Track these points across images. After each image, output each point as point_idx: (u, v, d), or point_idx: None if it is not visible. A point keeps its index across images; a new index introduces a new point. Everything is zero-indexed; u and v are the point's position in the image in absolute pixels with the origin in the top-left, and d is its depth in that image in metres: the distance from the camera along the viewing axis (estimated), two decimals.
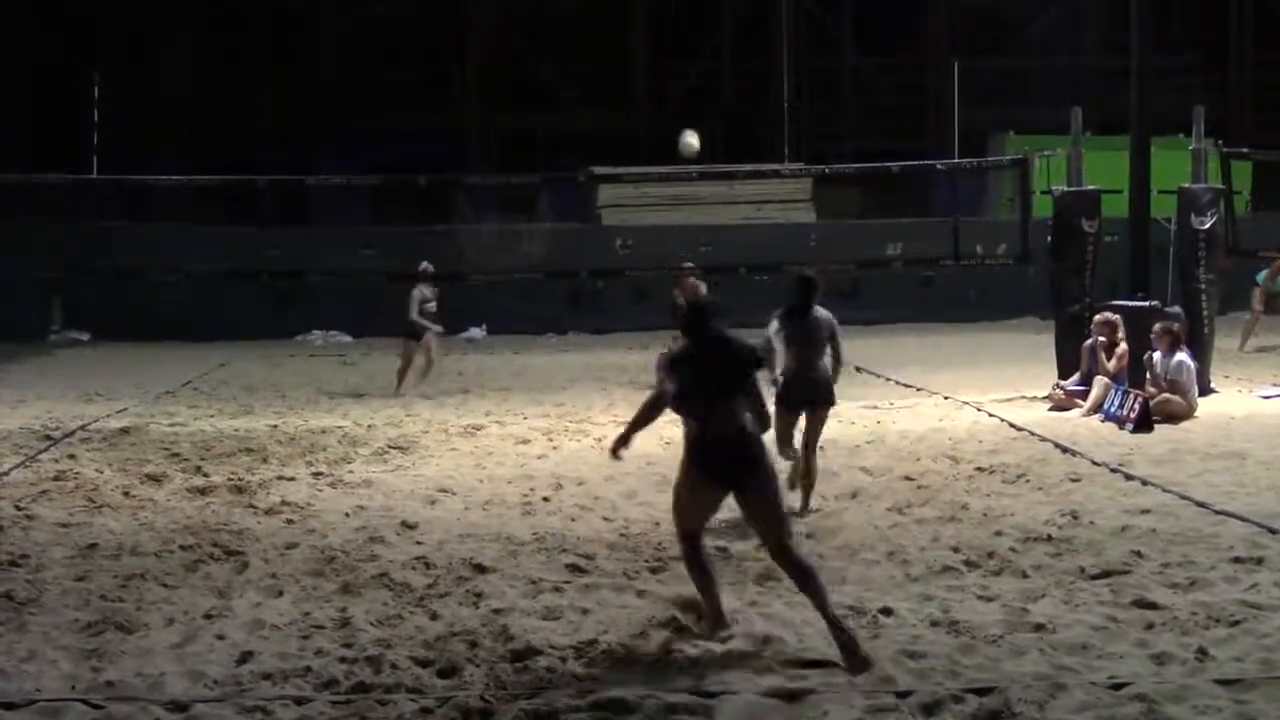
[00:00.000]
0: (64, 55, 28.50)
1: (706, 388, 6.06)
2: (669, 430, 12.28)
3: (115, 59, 28.70)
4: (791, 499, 8.34)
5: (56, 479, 10.12)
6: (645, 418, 6.25)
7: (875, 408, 13.65)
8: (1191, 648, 5.92)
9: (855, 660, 5.70)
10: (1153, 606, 6.51)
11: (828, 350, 8.98)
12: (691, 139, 14.04)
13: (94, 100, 23.07)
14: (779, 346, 8.82)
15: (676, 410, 6.16)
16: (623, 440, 6.32)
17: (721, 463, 6.05)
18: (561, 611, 6.63)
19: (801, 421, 8.99)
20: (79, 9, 29.47)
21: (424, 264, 15.97)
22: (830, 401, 9.01)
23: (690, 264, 16.32)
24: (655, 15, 31.81)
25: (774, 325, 8.96)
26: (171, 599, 6.95)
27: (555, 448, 11.69)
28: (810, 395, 8.93)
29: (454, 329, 23.36)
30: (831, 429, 12.28)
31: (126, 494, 9.65)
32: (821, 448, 11.16)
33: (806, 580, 6.00)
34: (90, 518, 8.89)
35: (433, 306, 15.81)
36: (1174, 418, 12.04)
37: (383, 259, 22.87)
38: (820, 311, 9.07)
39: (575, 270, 21.29)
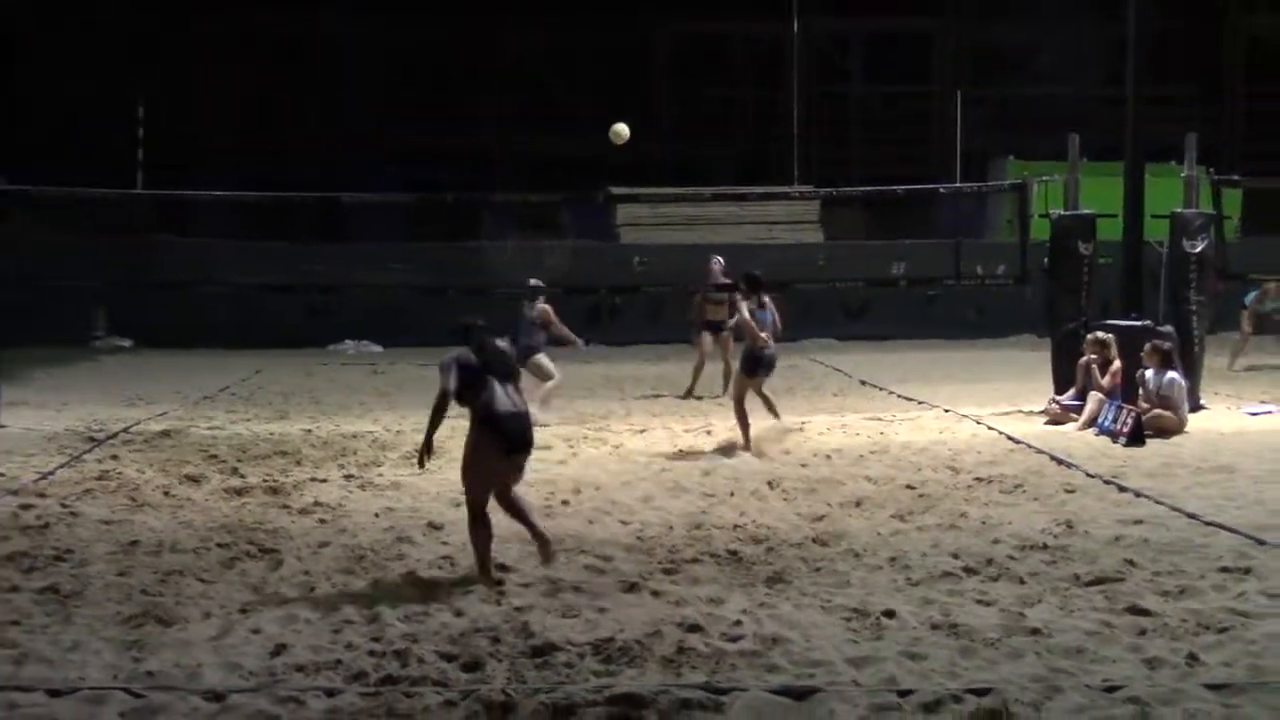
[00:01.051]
0: (112, 77, 28.69)
1: (497, 380, 7.16)
2: (684, 440, 12.37)
3: (159, 81, 28.87)
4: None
5: (100, 478, 10.17)
6: (438, 419, 7.25)
7: (879, 419, 13.64)
8: (1182, 653, 5.89)
9: (546, 554, 7.29)
10: (1145, 613, 6.48)
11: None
12: (621, 128, 13.89)
13: (139, 119, 23.17)
14: (753, 327, 11.71)
15: (460, 402, 7.16)
16: (427, 448, 7.34)
17: (519, 435, 7.17)
18: (580, 610, 6.63)
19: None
20: (126, 32, 29.66)
21: (532, 280, 14.31)
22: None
23: (718, 258, 16.18)
24: (673, 45, 31.89)
25: (745, 311, 11.82)
26: (209, 594, 6.97)
27: (575, 454, 11.69)
28: (771, 365, 11.95)
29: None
30: (836, 439, 12.36)
31: (166, 493, 9.69)
32: (829, 456, 11.24)
33: (520, 512, 7.33)
34: (132, 516, 8.92)
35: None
36: (1165, 432, 11.99)
37: (413, 273, 22.95)
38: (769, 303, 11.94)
39: (595, 286, 21.28)
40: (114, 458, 11.22)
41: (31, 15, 28.96)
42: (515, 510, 7.40)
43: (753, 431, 11.78)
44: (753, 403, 11.97)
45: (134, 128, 23.13)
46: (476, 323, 7.42)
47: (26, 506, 9.06)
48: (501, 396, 7.17)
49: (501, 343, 7.39)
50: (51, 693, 5.44)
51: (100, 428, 12.98)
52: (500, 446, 7.15)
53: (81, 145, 27.67)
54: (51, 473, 10.43)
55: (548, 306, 14.13)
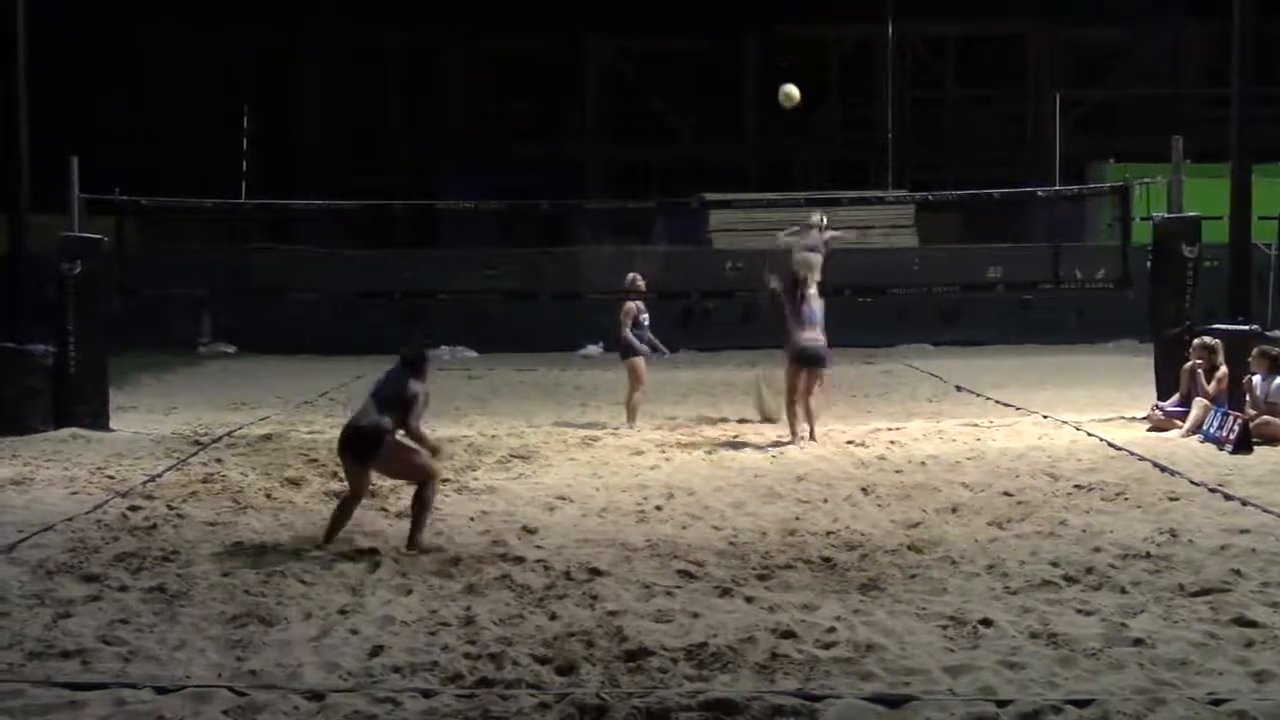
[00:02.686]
0: (218, 91, 29.37)
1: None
2: (777, 446, 12.31)
3: (261, 94, 29.48)
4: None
5: (205, 481, 10.36)
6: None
7: (975, 425, 13.44)
8: None
9: (412, 543, 7.91)
10: (1252, 624, 6.30)
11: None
12: (791, 88, 13.79)
13: (243, 132, 23.68)
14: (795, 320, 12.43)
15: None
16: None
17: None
18: (673, 615, 6.61)
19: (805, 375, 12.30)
20: (235, 43, 30.36)
21: (631, 275, 14.08)
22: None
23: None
24: (764, 50, 31.80)
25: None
26: (309, 595, 7.06)
27: (667, 459, 11.67)
28: (818, 359, 12.43)
29: (572, 345, 23.58)
30: (932, 445, 12.22)
31: (268, 496, 9.84)
32: (924, 462, 11.11)
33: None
34: (235, 518, 9.08)
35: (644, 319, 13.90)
36: (1273, 440, 11.64)
37: (506, 279, 23.13)
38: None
39: (687, 291, 21.27)
40: (218, 461, 11.43)
41: (146, 26, 29.76)
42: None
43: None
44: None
45: (239, 139, 23.60)
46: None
47: (135, 508, 9.26)
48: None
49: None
50: (158, 690, 5.55)
51: (205, 432, 13.24)
52: None
53: (189, 156, 28.39)
54: (159, 475, 10.66)
55: (631, 304, 13.98)
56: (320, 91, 31.73)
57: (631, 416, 13.77)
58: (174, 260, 22.73)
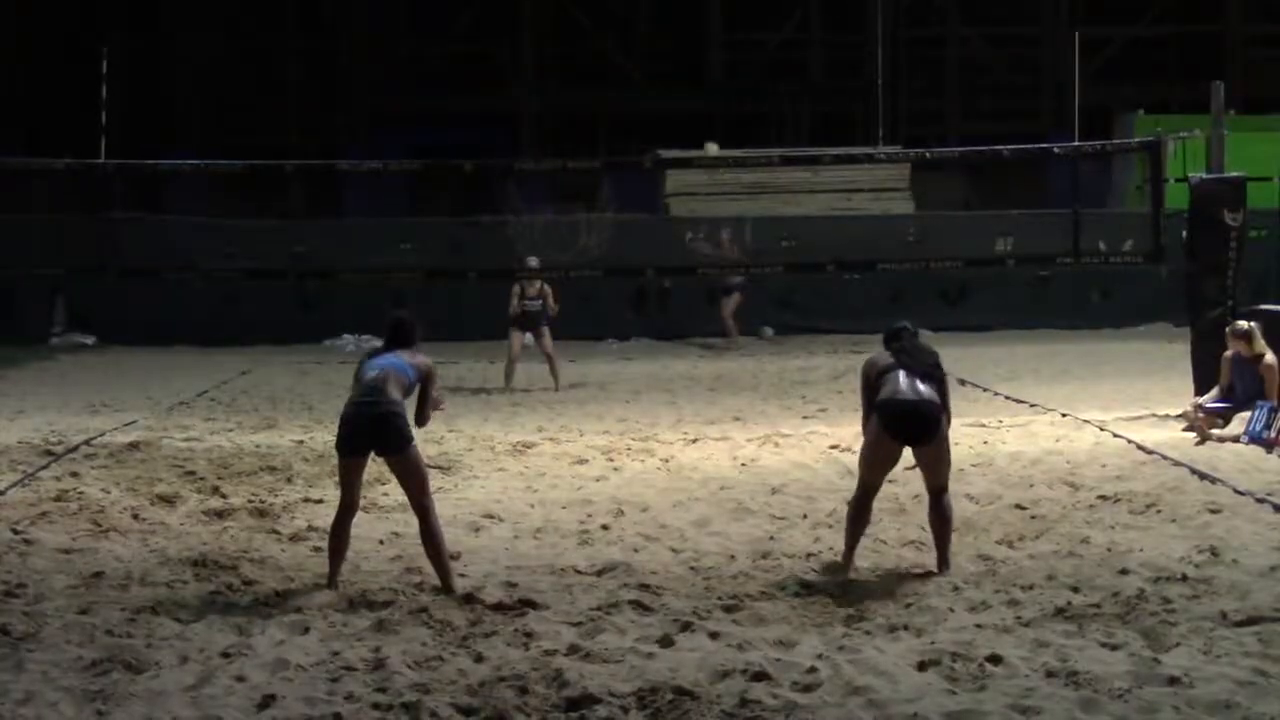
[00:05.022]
0: (68, 25, 28.98)
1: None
2: (745, 450, 12.35)
3: (125, 30, 29.16)
4: None
5: (58, 499, 10.25)
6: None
7: (982, 426, 13.54)
8: None
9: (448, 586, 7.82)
10: None
11: None
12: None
13: (101, 76, 23.41)
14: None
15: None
16: None
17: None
18: (622, 655, 6.63)
19: None
20: None
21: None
22: None
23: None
24: None
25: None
26: (185, 635, 7.02)
27: (616, 469, 11.69)
28: None
29: (502, 333, 23.51)
30: None
31: (136, 517, 9.76)
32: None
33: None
34: (95, 543, 8.99)
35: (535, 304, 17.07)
36: None
37: (422, 254, 23.03)
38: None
39: (640, 267, 21.28)
40: (74, 475, 11.32)
41: None
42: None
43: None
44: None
45: (97, 85, 23.34)
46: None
47: None
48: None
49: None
50: None
51: (59, 440, 13.11)
52: None
53: (35, 107, 28.04)
54: (2, 493, 10.53)
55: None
56: (196, 28, 31.41)
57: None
58: (18, 235, 22.45)
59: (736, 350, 21.67)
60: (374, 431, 7.91)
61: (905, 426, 8.06)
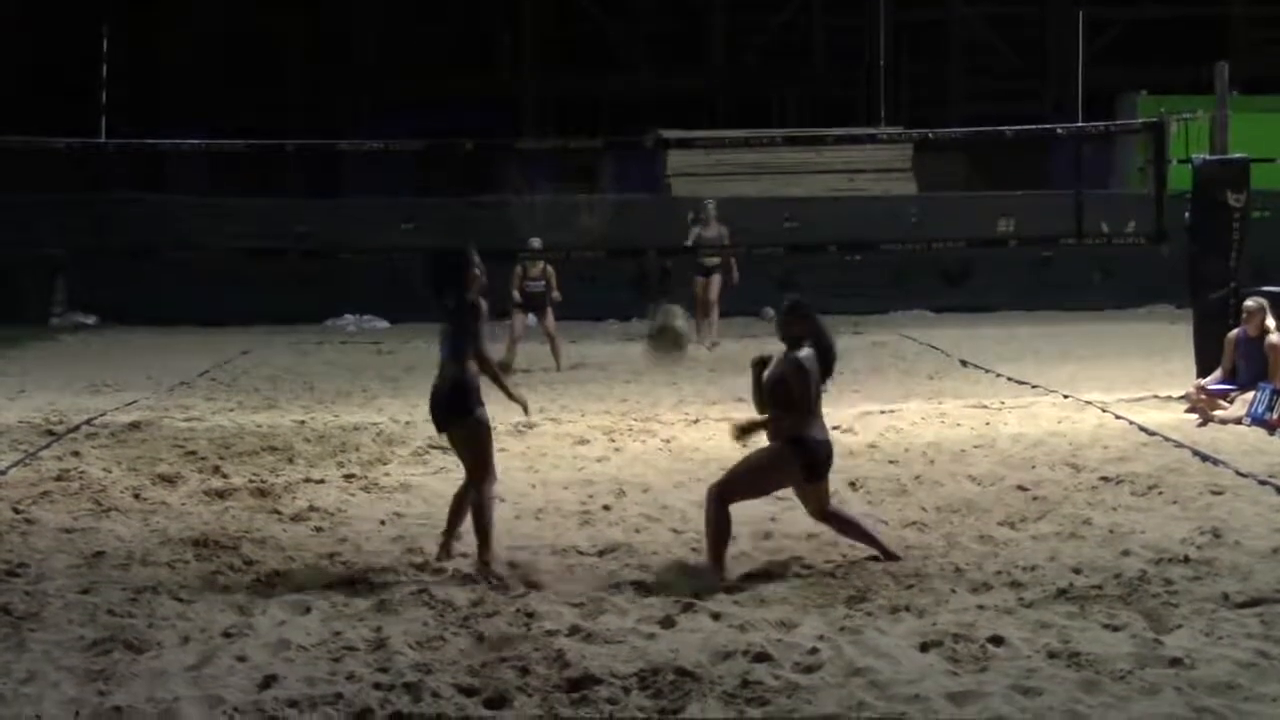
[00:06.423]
0: (69, 3, 28.90)
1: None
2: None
3: (126, 9, 29.07)
4: None
5: (59, 479, 10.25)
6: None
7: (984, 407, 13.56)
8: None
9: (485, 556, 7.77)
10: None
11: None
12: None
13: (102, 55, 23.36)
14: None
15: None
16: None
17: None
18: (624, 635, 6.63)
19: None
20: None
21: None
22: None
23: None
24: None
25: None
26: (186, 615, 7.02)
27: (617, 449, 11.70)
28: None
29: (504, 313, 23.49)
30: (933, 430, 12.31)
31: (137, 496, 9.77)
32: (924, 451, 11.20)
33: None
34: (96, 523, 9.00)
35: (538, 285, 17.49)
36: None
37: (424, 234, 23.00)
38: None
39: (641, 248, 21.24)
40: (76, 454, 11.32)
41: None
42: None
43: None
44: None
45: (98, 65, 23.29)
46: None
47: None
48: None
49: None
50: None
51: (60, 419, 13.12)
52: None
53: (36, 86, 27.98)
54: (3, 473, 10.54)
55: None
56: (197, 7, 31.33)
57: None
58: (19, 214, 22.42)
59: (709, 343, 19.42)
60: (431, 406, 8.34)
61: (825, 472, 7.96)
